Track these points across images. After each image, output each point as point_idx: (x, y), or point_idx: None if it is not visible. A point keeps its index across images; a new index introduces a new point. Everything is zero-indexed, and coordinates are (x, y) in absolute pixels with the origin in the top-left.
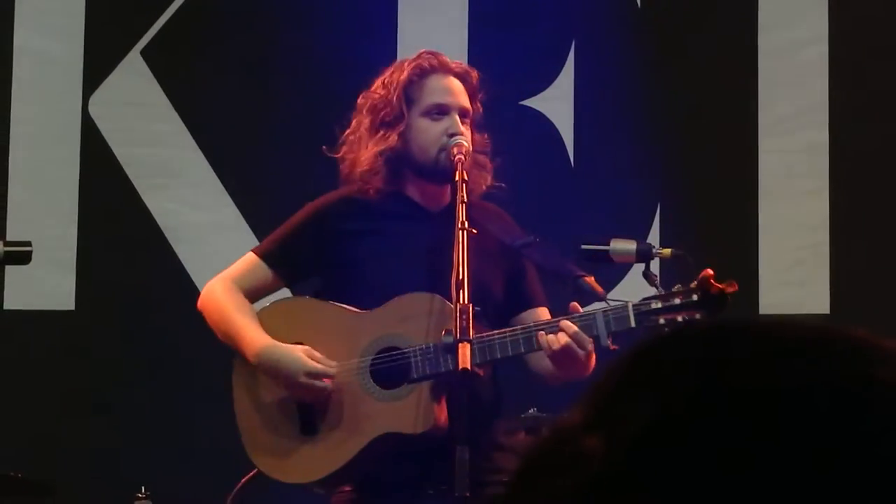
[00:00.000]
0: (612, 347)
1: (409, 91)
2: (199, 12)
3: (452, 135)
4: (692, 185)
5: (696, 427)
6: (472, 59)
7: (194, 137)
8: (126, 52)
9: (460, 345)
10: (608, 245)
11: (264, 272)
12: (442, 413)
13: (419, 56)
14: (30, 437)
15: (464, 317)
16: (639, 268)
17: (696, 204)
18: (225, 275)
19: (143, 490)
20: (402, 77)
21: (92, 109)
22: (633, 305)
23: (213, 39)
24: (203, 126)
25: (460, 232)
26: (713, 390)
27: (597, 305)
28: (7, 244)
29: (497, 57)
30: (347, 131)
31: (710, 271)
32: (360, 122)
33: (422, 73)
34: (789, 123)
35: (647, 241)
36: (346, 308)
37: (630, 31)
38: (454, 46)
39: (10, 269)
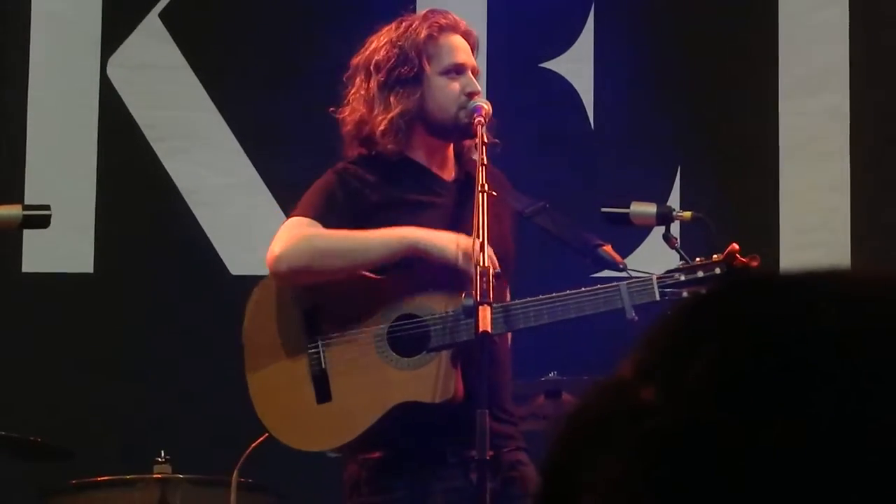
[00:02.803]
0: (635, 320)
1: (426, 49)
2: None
3: (471, 94)
4: (712, 148)
5: (757, 377)
6: (492, 23)
7: (213, 100)
8: (144, 14)
9: (480, 307)
10: (628, 208)
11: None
12: (460, 381)
13: (430, 14)
14: (48, 401)
15: (484, 279)
16: (658, 231)
17: (716, 167)
18: (289, 232)
19: (162, 454)
20: (420, 35)
21: (110, 72)
22: (658, 278)
23: (231, 1)
24: (221, 88)
25: (481, 195)
26: (773, 340)
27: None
28: (26, 208)
29: (517, 20)
30: (351, 90)
31: (737, 245)
32: (367, 81)
33: (439, 31)
34: (809, 86)
35: (668, 203)
36: (363, 273)
37: None
38: (475, 10)
39: (28, 233)
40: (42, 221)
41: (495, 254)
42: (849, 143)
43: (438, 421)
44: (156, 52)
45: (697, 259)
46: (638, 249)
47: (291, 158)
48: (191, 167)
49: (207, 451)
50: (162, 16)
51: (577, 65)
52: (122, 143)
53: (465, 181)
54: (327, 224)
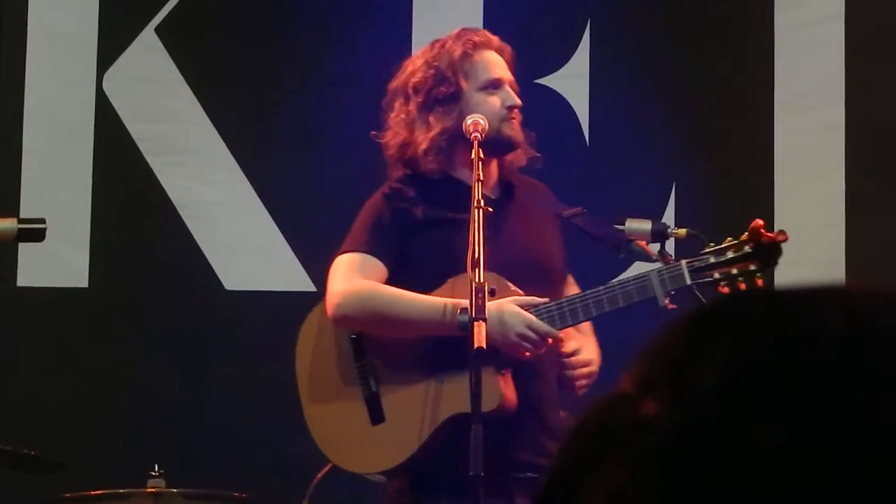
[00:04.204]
0: (671, 307)
1: (462, 67)
2: None
3: (511, 107)
4: (707, 164)
5: (764, 387)
6: None
7: (208, 114)
8: (140, 28)
9: (475, 323)
10: (623, 224)
11: (375, 264)
12: (509, 389)
13: (463, 32)
14: (42, 414)
15: (479, 295)
16: (653, 248)
17: (711, 183)
18: (344, 279)
19: (156, 468)
20: (455, 54)
21: (106, 86)
22: (687, 262)
23: (227, 16)
24: (217, 103)
25: (476, 210)
26: (779, 350)
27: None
28: (21, 221)
29: (512, 35)
30: (391, 115)
31: (760, 221)
32: (406, 104)
33: (473, 48)
34: (805, 101)
35: (662, 220)
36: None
37: (645, 10)
38: (470, 25)
39: (23, 246)
40: (37, 235)
41: (544, 261)
42: (844, 158)
43: (490, 435)
44: (152, 66)
45: (726, 240)
46: (632, 266)
47: (287, 174)
48: (186, 182)
49: (202, 466)
50: (158, 30)
51: (572, 81)
52: (117, 157)
53: (508, 194)
54: (378, 253)
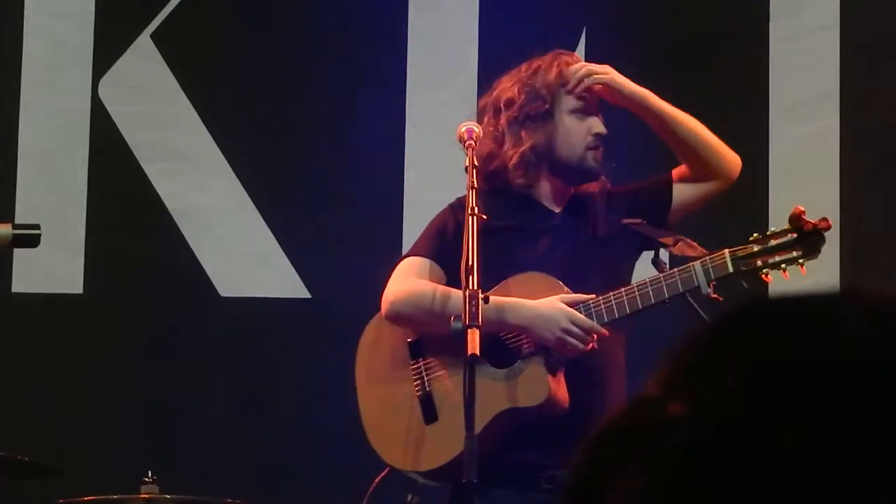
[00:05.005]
0: (714, 297)
1: (556, 88)
2: None
3: (597, 134)
4: None
5: (792, 389)
6: (483, 50)
7: (203, 121)
8: (136, 35)
9: (470, 330)
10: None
11: (433, 268)
12: (560, 387)
13: (559, 55)
14: (36, 420)
15: (473, 303)
16: (648, 255)
17: None
18: (400, 280)
19: (149, 474)
20: (550, 74)
21: (102, 92)
22: (730, 251)
23: (223, 23)
24: (212, 110)
25: (470, 218)
26: (806, 353)
27: None
28: (16, 227)
29: (507, 47)
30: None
31: (801, 208)
32: (496, 118)
33: (555, 68)
34: (800, 111)
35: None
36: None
37: (641, 18)
38: (465, 37)
39: (18, 253)
40: (32, 241)
41: (601, 274)
42: (839, 167)
43: (539, 437)
44: (147, 73)
45: (769, 231)
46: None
47: (282, 181)
48: (181, 188)
49: (195, 472)
50: (154, 37)
51: None
52: (112, 164)
53: (574, 208)
54: (440, 259)
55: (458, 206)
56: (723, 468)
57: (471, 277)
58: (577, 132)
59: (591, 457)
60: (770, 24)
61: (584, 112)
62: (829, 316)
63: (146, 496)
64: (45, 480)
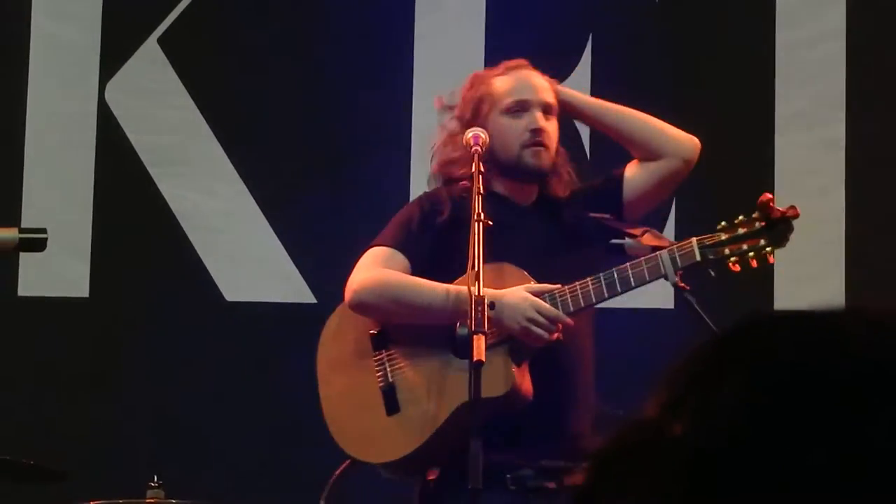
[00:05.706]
0: (682, 286)
1: (490, 90)
2: (216, 1)
3: (535, 130)
4: (708, 180)
5: (794, 403)
6: (489, 54)
7: (210, 125)
8: (143, 39)
9: (475, 337)
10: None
11: (399, 258)
12: (525, 379)
13: (503, 63)
14: (42, 424)
15: (479, 309)
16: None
17: (711, 199)
18: (364, 269)
19: (155, 479)
20: (487, 78)
21: (108, 97)
22: (697, 239)
23: (230, 27)
24: (219, 114)
25: (476, 223)
26: (808, 368)
27: None
28: (22, 231)
29: (514, 51)
30: (437, 141)
31: (769, 195)
32: (444, 128)
33: (504, 72)
34: (806, 119)
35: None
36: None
37: (647, 26)
38: (472, 40)
39: (24, 256)
40: (38, 245)
41: (559, 264)
42: (844, 176)
43: (506, 435)
44: (154, 77)
45: (737, 219)
46: None
47: (288, 185)
48: (187, 192)
49: (201, 477)
50: (161, 41)
51: None
52: (119, 168)
53: (542, 204)
54: (405, 249)
55: (426, 199)
56: (727, 471)
57: (476, 283)
58: (512, 131)
59: (594, 477)
60: (776, 31)
61: (520, 110)
62: (831, 324)
63: (152, 501)
64: (50, 484)
